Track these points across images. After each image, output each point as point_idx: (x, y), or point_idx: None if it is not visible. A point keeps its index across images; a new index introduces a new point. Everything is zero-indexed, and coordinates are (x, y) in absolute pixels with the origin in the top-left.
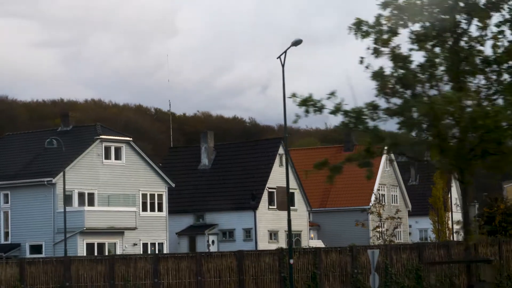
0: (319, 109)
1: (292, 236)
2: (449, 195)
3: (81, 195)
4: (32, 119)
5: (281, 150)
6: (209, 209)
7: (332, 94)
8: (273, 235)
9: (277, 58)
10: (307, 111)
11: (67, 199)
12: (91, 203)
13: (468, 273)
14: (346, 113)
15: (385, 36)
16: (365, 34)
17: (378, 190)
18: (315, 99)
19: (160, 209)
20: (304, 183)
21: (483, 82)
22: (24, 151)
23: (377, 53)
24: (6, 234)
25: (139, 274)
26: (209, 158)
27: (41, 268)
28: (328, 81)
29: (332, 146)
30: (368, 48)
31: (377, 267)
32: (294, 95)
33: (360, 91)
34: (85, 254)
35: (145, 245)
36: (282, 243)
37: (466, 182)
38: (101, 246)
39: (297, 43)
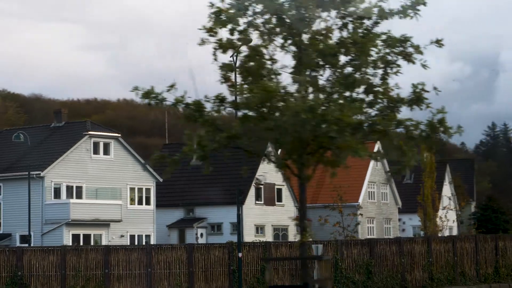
0: (161, 101)
1: (279, 231)
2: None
3: (69, 188)
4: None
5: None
6: (199, 203)
7: (172, 86)
8: (259, 229)
9: (230, 57)
10: (149, 104)
11: (56, 192)
12: (79, 196)
13: (303, 270)
14: (187, 105)
15: (240, 28)
16: (223, 24)
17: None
18: (157, 92)
19: (148, 203)
20: (293, 179)
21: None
22: (19, 145)
23: (227, 45)
24: None
25: (90, 264)
26: None
27: None
28: None
29: None
30: (220, 39)
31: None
32: (136, 88)
33: None
34: (70, 244)
35: (132, 237)
36: (269, 237)
37: (303, 178)
38: (87, 237)
39: (247, 41)
